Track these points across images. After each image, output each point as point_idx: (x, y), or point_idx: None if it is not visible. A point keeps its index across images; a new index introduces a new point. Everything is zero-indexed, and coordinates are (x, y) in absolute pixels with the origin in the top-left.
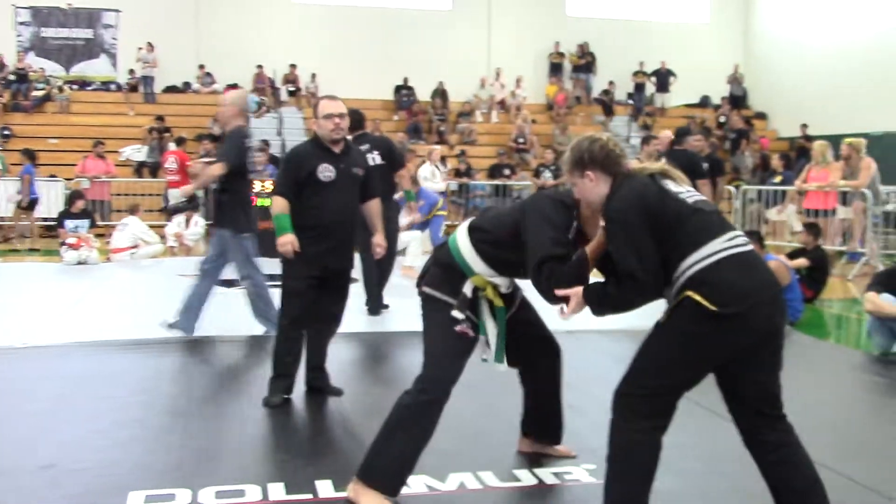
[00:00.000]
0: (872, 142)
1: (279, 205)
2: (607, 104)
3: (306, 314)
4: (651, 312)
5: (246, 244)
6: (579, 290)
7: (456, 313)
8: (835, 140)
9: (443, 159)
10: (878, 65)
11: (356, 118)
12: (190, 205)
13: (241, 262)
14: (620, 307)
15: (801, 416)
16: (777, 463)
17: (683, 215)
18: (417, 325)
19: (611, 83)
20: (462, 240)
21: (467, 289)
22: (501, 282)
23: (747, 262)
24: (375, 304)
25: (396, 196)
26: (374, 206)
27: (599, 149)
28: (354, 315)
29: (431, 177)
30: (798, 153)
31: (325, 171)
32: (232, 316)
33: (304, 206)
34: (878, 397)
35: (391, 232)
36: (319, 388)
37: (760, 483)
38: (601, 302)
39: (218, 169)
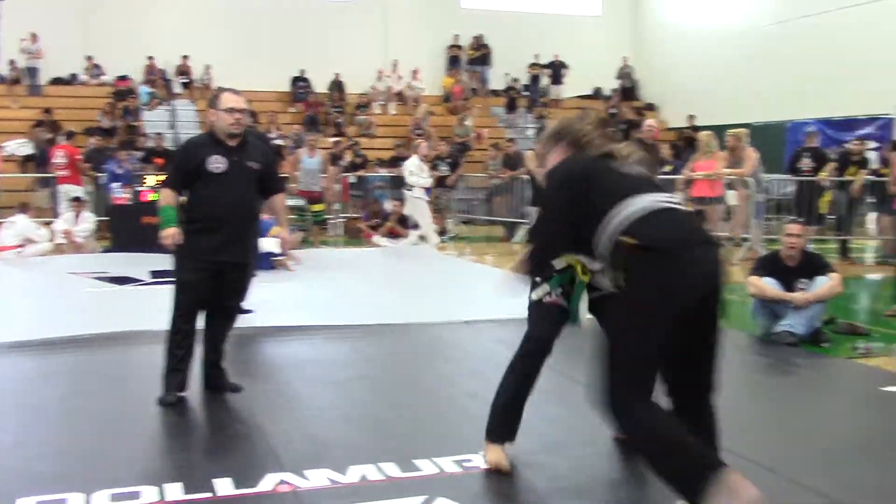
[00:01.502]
0: (754, 132)
1: (166, 197)
2: (512, 98)
3: (197, 308)
4: None
5: None
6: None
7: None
8: (720, 130)
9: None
10: (759, 58)
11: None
12: None
13: None
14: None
15: None
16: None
17: (615, 183)
18: (310, 319)
19: (515, 80)
20: None
21: (558, 264)
22: (584, 259)
23: (675, 216)
24: None
25: None
26: (277, 201)
27: (576, 131)
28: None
29: (418, 171)
30: (686, 143)
31: (215, 163)
32: (122, 313)
33: (195, 198)
34: (761, 376)
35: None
36: (217, 385)
37: None
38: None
39: None
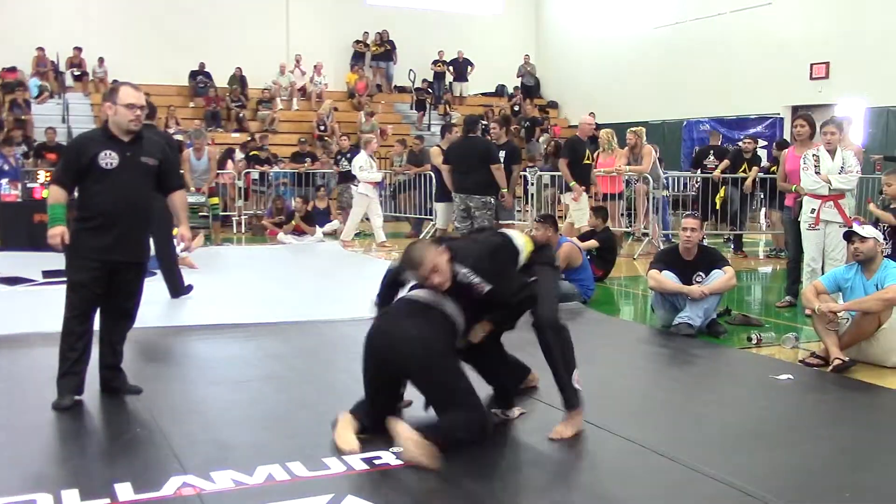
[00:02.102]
0: (652, 130)
1: (54, 194)
2: (421, 101)
3: (92, 308)
4: None
5: None
6: None
7: None
8: (619, 128)
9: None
10: (656, 59)
11: (149, 109)
12: None
13: None
14: None
15: (593, 386)
16: None
17: None
18: (213, 317)
19: (425, 82)
20: None
21: None
22: None
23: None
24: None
25: None
26: (177, 198)
27: None
28: (152, 308)
29: (369, 167)
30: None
31: (107, 158)
32: (14, 314)
33: (86, 195)
34: (661, 366)
35: (166, 222)
36: (116, 388)
37: (553, 456)
38: None
39: None
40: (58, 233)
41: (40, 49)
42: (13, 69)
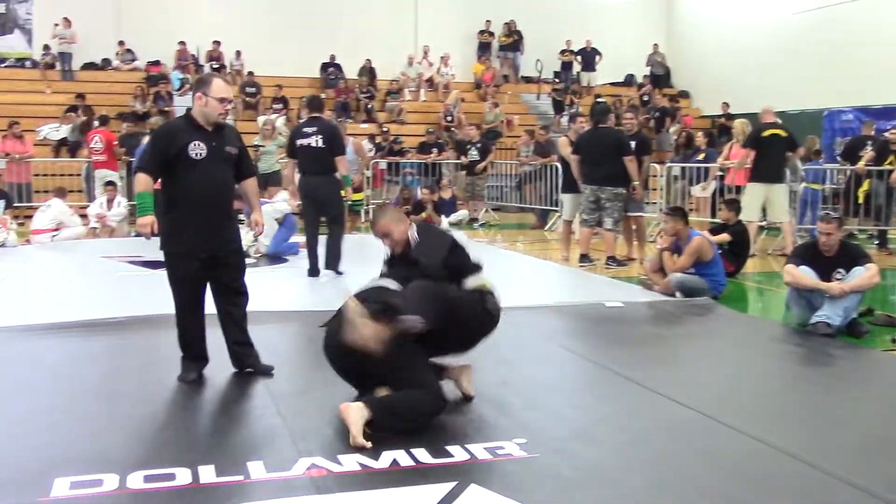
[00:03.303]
0: (790, 120)
1: (142, 182)
2: (558, 102)
3: (199, 298)
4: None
5: None
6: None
7: None
8: (754, 118)
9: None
10: (794, 45)
11: (317, 103)
12: None
13: None
14: None
15: (724, 385)
16: None
17: None
18: (338, 304)
19: (556, 80)
20: None
21: None
22: None
23: None
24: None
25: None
26: (250, 185)
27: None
28: (297, 293)
29: None
30: (720, 131)
31: (196, 149)
32: (153, 296)
33: (175, 184)
34: (796, 366)
35: (336, 204)
36: (249, 366)
37: (681, 455)
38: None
39: None
40: (148, 222)
41: (182, 43)
42: (157, 63)
